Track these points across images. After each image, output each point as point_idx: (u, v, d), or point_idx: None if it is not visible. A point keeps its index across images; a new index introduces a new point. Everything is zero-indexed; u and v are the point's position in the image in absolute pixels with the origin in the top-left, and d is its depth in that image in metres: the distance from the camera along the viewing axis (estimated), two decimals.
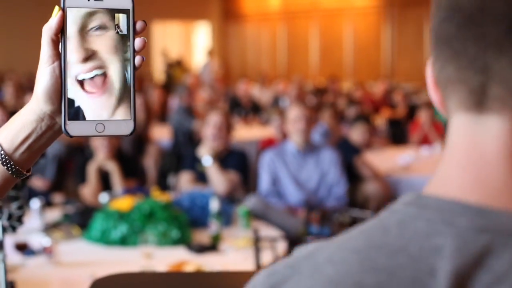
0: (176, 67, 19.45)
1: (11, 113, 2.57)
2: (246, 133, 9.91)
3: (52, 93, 1.14)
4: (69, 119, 1.13)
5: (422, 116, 9.02)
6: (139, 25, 1.18)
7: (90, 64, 1.14)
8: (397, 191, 7.05)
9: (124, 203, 4.56)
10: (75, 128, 1.14)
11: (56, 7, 1.14)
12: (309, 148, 5.94)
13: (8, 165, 1.16)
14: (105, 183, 5.63)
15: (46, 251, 4.01)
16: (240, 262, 4.15)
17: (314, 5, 18.98)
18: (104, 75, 1.14)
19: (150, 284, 1.81)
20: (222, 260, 4.18)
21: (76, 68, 1.13)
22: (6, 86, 11.76)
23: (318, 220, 5.51)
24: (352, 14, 18.08)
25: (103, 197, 5.03)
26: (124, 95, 1.15)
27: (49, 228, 4.57)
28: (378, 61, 17.58)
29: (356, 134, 7.44)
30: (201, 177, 5.72)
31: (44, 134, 1.17)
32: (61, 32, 1.14)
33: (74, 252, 4.27)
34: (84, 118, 1.14)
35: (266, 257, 4.17)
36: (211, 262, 4.06)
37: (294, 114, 5.90)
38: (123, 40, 1.15)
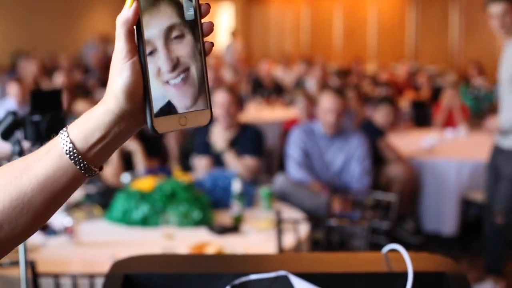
0: None
1: (33, 92, 2.51)
2: (268, 114, 9.87)
3: (133, 90, 1.08)
4: (155, 116, 1.09)
5: (446, 98, 8.93)
6: (203, 8, 1.14)
7: (177, 71, 1.11)
8: (421, 174, 7.00)
9: (146, 183, 4.54)
10: (161, 124, 1.10)
11: None
12: (337, 132, 5.88)
13: (82, 165, 1.10)
14: (127, 163, 5.59)
15: (67, 231, 3.99)
16: (261, 244, 4.12)
17: None
18: (187, 73, 1.11)
19: (171, 266, 1.78)
20: (244, 241, 4.15)
21: (165, 76, 1.10)
22: (30, 64, 11.72)
23: (342, 202, 5.48)
24: None
25: (125, 177, 5.01)
26: (202, 85, 1.13)
27: (71, 208, 4.56)
28: (402, 43, 17.45)
29: (380, 116, 7.37)
30: (218, 160, 5.60)
31: (121, 133, 1.12)
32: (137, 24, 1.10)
33: (95, 232, 4.26)
34: (168, 113, 1.10)
35: (289, 239, 4.14)
36: (232, 244, 4.03)
37: (326, 105, 5.79)
38: (193, 28, 1.13)
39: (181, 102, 1.11)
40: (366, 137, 6.04)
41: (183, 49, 1.11)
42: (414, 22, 17.19)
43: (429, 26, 16.89)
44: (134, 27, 1.09)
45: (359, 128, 6.88)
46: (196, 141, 6.03)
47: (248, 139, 5.61)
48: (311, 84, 10.95)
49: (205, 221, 4.37)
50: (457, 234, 6.95)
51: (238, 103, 5.84)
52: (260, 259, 1.96)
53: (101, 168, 1.15)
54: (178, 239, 4.08)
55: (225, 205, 4.68)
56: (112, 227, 4.37)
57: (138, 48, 1.09)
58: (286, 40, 20.62)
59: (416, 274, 1.62)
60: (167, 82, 1.10)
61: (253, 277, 1.64)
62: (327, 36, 19.28)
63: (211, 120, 1.14)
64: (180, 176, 4.76)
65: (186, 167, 5.95)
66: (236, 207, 4.46)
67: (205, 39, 1.15)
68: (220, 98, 5.61)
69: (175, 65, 1.10)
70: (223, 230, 4.27)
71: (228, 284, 1.63)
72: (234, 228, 4.34)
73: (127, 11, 1.08)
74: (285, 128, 7.94)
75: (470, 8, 15.82)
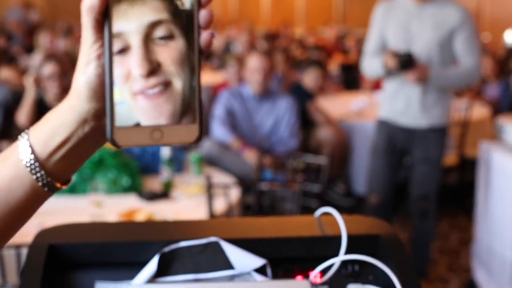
0: None
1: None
2: None
3: (98, 87, 0.91)
4: (116, 125, 0.89)
5: None
6: None
7: (153, 79, 0.90)
8: (351, 137, 7.02)
9: None
10: (124, 136, 0.89)
11: None
12: (266, 94, 5.87)
13: (39, 175, 0.93)
14: None
15: None
16: (192, 210, 4.08)
17: None
18: (168, 87, 0.91)
19: (98, 235, 1.73)
20: (174, 207, 4.10)
21: (136, 82, 0.90)
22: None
23: (272, 164, 5.46)
24: None
25: None
26: (188, 101, 0.92)
27: None
28: (330, 6, 17.49)
29: (308, 79, 7.36)
30: None
31: (87, 138, 0.93)
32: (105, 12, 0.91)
33: None
34: (136, 124, 0.90)
35: (219, 204, 4.10)
36: (163, 210, 3.98)
37: (254, 64, 5.81)
38: (186, 26, 0.91)
39: (153, 116, 0.91)
40: (295, 100, 6.02)
41: (169, 53, 0.90)
42: None
43: None
44: None
45: (288, 91, 6.86)
46: None
47: None
48: (239, 48, 10.90)
49: (134, 188, 4.31)
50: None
51: None
52: (191, 225, 1.92)
53: (66, 182, 0.98)
54: (107, 207, 4.01)
55: (154, 171, 4.62)
56: None
57: (103, 41, 0.90)
58: (214, 5, 20.48)
59: (350, 237, 1.59)
60: (138, 89, 0.90)
61: (183, 244, 1.60)
62: (255, 0, 19.20)
63: (199, 138, 0.92)
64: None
65: None
66: (165, 173, 4.40)
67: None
68: None
69: (152, 71, 0.90)
70: (152, 197, 4.22)
71: (157, 251, 1.58)
72: (164, 194, 4.28)
73: None
74: (214, 92, 7.88)
75: None
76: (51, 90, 5.42)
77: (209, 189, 4.02)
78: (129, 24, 0.89)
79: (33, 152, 0.93)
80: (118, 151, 4.43)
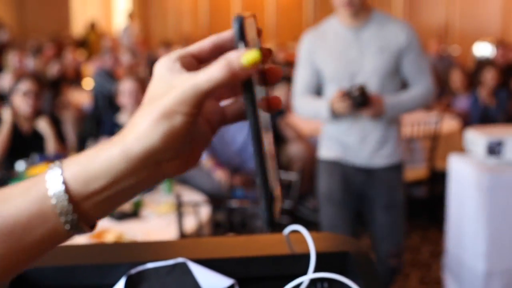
0: (90, 30, 19.11)
1: None
2: None
3: (180, 138, 0.80)
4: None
5: None
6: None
7: None
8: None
9: (41, 170, 4.40)
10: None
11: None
12: None
13: (69, 217, 0.80)
14: (21, 148, 5.38)
15: None
16: (162, 229, 4.06)
17: None
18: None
19: (64, 257, 1.70)
20: (144, 226, 4.07)
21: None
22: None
23: (243, 182, 5.44)
24: None
25: (20, 165, 4.85)
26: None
27: None
28: (300, 22, 17.53)
29: (278, 95, 7.36)
30: None
31: (137, 185, 0.82)
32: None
33: None
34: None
35: (190, 222, 4.08)
36: (132, 229, 3.95)
37: None
38: None
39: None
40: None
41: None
42: (312, 0, 17.29)
43: (326, 4, 17.00)
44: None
45: None
46: (102, 123, 5.94)
47: None
48: None
49: None
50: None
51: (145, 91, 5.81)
52: (159, 246, 1.90)
53: (92, 228, 0.84)
54: None
55: None
56: None
57: (253, 111, 0.79)
58: (185, 21, 20.48)
59: (318, 255, 1.58)
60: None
61: (150, 265, 1.58)
62: (226, 17, 19.21)
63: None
64: None
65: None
66: None
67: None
68: (127, 87, 5.64)
69: None
70: (122, 216, 4.19)
71: (124, 273, 1.56)
72: (133, 213, 4.26)
73: (242, 71, 0.77)
74: None
75: None
76: (24, 108, 5.37)
77: (179, 208, 4.00)
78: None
79: (68, 190, 0.80)
80: None
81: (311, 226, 6.87)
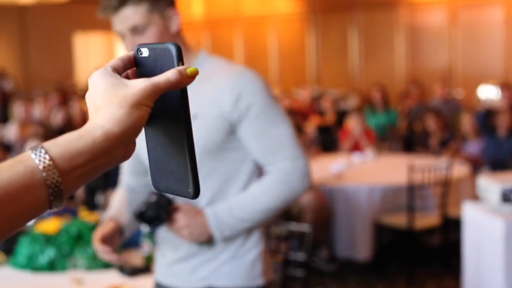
0: None
1: None
2: None
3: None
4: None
5: (352, 122, 8.95)
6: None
7: None
8: (332, 200, 6.96)
9: (51, 225, 4.33)
10: None
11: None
12: None
13: (55, 187, 0.95)
14: None
15: None
16: None
17: (237, 13, 18.89)
18: None
19: None
20: None
21: None
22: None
23: None
24: (276, 21, 18.03)
25: None
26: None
27: None
28: (304, 68, 17.56)
29: None
30: None
31: (109, 162, 1.03)
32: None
33: None
34: None
35: None
36: (145, 285, 3.87)
37: None
38: None
39: None
40: None
41: None
42: (315, 46, 17.33)
43: (329, 49, 17.04)
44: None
45: None
46: (109, 175, 5.88)
47: None
48: None
49: (115, 263, 4.20)
50: (371, 259, 6.92)
51: None
52: None
53: (70, 197, 0.99)
54: (88, 284, 3.89)
55: (135, 244, 4.51)
56: (17, 274, 4.14)
57: (185, 112, 1.06)
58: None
59: None
60: None
61: None
62: None
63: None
64: (86, 216, 4.57)
65: (92, 206, 5.76)
66: (146, 246, 4.30)
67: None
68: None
69: None
70: (134, 271, 4.11)
71: None
72: (145, 268, 4.17)
73: (188, 78, 1.05)
74: None
75: (368, 30, 16.02)
76: None
77: None
78: None
79: (55, 165, 0.95)
80: (96, 225, 4.33)
81: (325, 276, 6.78)
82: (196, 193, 1.06)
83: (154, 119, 1.06)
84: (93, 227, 4.26)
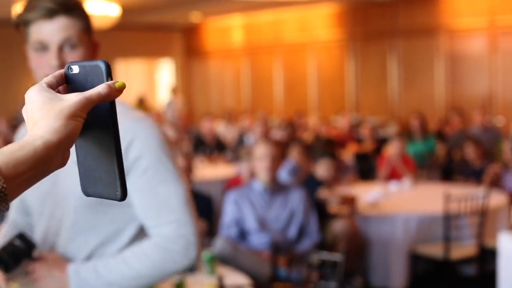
0: (138, 105, 19.32)
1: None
2: (210, 172, 9.73)
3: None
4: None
5: (391, 148, 8.89)
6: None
7: None
8: (367, 228, 6.91)
9: None
10: None
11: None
12: (276, 187, 5.78)
13: (2, 195, 1.03)
14: None
15: None
16: None
17: (277, 40, 18.94)
18: None
19: None
20: None
21: None
22: None
23: (287, 263, 5.33)
24: (315, 48, 18.04)
25: None
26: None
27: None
28: (343, 95, 17.53)
29: (321, 169, 7.29)
30: None
31: (50, 168, 1.13)
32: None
33: None
34: None
35: None
36: None
37: (260, 152, 5.75)
38: None
39: None
40: (307, 190, 5.95)
41: None
42: (354, 73, 17.30)
43: (368, 77, 17.00)
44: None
45: (302, 183, 6.79)
46: None
47: (199, 203, 5.57)
48: (252, 140, 10.87)
49: None
50: None
51: (190, 168, 5.77)
52: None
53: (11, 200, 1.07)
54: None
55: None
56: None
57: (113, 122, 1.17)
58: (227, 96, 20.62)
59: None
60: None
61: None
62: (268, 90, 19.31)
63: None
64: None
65: None
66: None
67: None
68: None
69: None
70: None
71: None
72: None
73: (116, 91, 1.16)
74: (228, 186, 7.81)
75: (407, 58, 15.96)
76: None
77: None
78: None
79: (1, 173, 1.03)
80: None
81: None
82: (123, 196, 1.16)
83: (85, 129, 1.16)
84: None
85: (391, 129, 14.52)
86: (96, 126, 1.17)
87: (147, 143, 2.43)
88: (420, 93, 15.77)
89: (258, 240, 5.62)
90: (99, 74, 1.17)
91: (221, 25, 20.51)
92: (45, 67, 2.40)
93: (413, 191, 8.09)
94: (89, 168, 1.19)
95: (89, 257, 2.48)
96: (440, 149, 11.39)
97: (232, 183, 7.75)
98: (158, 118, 14.39)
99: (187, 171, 5.64)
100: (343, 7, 17.36)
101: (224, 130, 14.39)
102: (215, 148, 11.78)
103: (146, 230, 2.48)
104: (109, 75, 1.17)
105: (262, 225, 5.68)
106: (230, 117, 16.02)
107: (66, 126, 1.11)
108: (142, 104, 19.43)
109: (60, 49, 2.40)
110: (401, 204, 7.31)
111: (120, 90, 1.16)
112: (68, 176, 2.39)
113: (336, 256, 5.07)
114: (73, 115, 1.12)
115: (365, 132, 12.73)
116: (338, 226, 6.61)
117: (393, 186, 8.16)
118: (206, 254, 4.65)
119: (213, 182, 8.87)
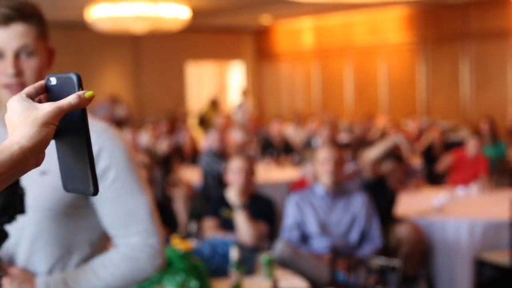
0: (211, 107, 19.45)
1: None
2: (277, 174, 9.74)
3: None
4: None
5: (469, 145, 8.79)
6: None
7: None
8: (432, 234, 6.82)
9: None
10: None
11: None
12: (339, 191, 5.75)
13: None
14: None
15: None
16: None
17: (347, 43, 18.87)
18: None
19: None
20: None
21: None
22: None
23: (346, 267, 5.30)
24: (386, 51, 17.92)
25: None
26: None
27: None
28: (414, 98, 17.37)
29: (387, 172, 7.23)
30: (225, 224, 5.52)
31: (23, 171, 1.28)
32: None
33: None
34: None
35: None
36: None
37: (323, 155, 5.74)
38: None
39: None
40: (370, 194, 5.92)
41: None
42: (425, 77, 17.12)
43: (439, 80, 16.81)
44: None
45: (373, 186, 6.75)
46: (211, 201, 5.96)
47: (261, 206, 5.62)
48: (319, 142, 10.83)
49: None
50: None
51: (253, 171, 5.80)
52: None
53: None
54: None
55: (224, 273, 4.52)
56: None
57: (85, 127, 1.31)
58: (298, 98, 20.60)
59: None
60: None
61: None
62: (338, 93, 19.24)
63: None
64: (177, 244, 4.61)
65: (185, 233, 5.81)
66: (234, 276, 4.30)
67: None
68: (236, 165, 5.71)
69: None
70: None
71: None
72: None
73: (86, 100, 1.30)
74: (292, 190, 7.80)
75: (480, 61, 15.75)
76: None
77: None
78: None
79: None
80: (188, 253, 4.35)
81: None
82: (95, 191, 1.31)
83: (62, 134, 1.31)
84: (183, 255, 4.29)
85: (463, 133, 14.31)
86: (71, 130, 1.32)
87: (114, 153, 2.44)
88: (493, 97, 15.53)
89: (320, 244, 5.60)
90: (71, 85, 1.32)
91: (291, 28, 20.52)
92: (1, 75, 2.32)
93: (480, 196, 7.96)
94: (67, 167, 1.34)
95: (51, 269, 2.44)
96: (511, 155, 11.18)
97: (296, 186, 7.74)
98: (226, 121, 14.43)
99: (250, 174, 5.65)
100: (414, 10, 17.20)
101: (293, 133, 14.37)
102: (282, 150, 11.77)
103: (112, 239, 2.49)
104: (80, 85, 1.31)
105: (324, 229, 5.65)
106: (299, 119, 15.99)
107: (40, 133, 1.27)
108: (214, 106, 19.54)
109: (16, 56, 2.31)
110: (467, 210, 7.20)
111: (89, 99, 1.31)
112: (31, 188, 2.33)
113: (395, 262, 5.02)
114: (46, 123, 1.28)
115: (434, 135, 12.56)
116: (402, 230, 6.55)
117: (460, 191, 8.05)
118: (264, 257, 4.65)
119: (279, 185, 8.87)
